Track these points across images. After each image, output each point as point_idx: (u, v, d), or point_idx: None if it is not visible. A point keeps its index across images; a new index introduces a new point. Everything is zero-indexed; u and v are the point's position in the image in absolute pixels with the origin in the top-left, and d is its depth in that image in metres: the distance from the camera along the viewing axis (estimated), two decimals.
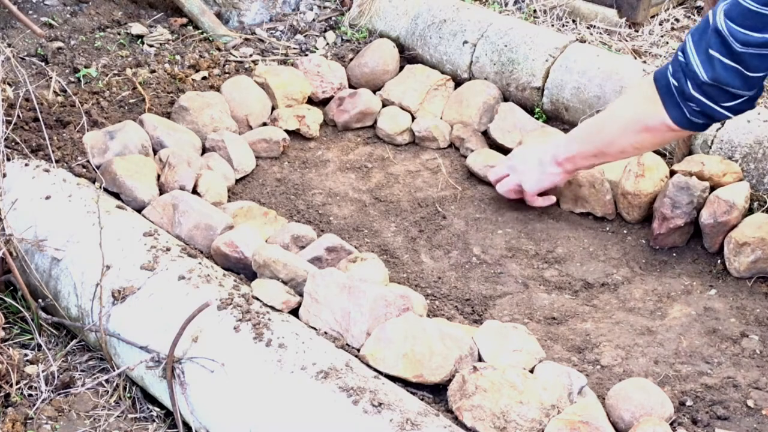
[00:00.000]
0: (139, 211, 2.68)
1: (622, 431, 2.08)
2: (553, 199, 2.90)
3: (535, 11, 3.78)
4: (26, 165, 2.72)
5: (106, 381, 2.36)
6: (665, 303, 2.58)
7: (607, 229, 2.89)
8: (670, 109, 2.34)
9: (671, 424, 2.10)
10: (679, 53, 2.28)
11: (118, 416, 2.28)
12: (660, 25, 3.73)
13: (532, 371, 2.17)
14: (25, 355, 2.43)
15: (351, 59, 3.58)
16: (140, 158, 2.83)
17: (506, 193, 2.92)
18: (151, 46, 3.58)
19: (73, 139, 2.89)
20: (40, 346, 2.46)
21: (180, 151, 2.88)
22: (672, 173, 2.81)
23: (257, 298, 2.29)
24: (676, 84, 2.29)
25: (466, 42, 3.45)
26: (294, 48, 3.68)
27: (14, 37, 3.42)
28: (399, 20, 3.67)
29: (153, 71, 3.40)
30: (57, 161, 2.75)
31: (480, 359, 2.20)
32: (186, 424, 2.18)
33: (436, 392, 2.15)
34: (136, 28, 3.64)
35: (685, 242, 2.78)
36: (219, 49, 3.59)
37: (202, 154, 3.04)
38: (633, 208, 2.83)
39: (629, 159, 2.83)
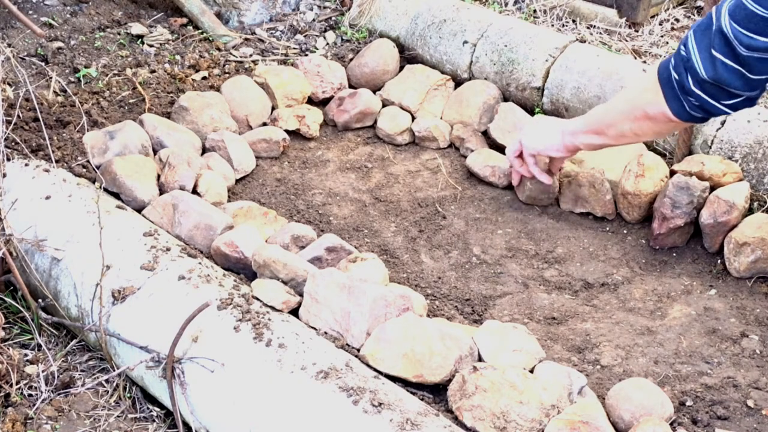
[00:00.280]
0: (139, 211, 2.68)
1: (622, 431, 2.08)
2: (550, 180, 2.86)
3: (535, 11, 3.78)
4: (26, 165, 2.72)
5: (106, 381, 2.36)
6: (665, 303, 2.58)
7: (607, 229, 2.89)
8: (670, 100, 2.34)
9: (671, 424, 2.10)
10: (681, 47, 2.27)
11: (118, 416, 2.28)
12: (660, 25, 3.73)
13: (532, 371, 2.17)
14: (25, 355, 2.43)
15: (351, 59, 3.58)
16: (140, 158, 2.83)
17: (510, 159, 2.89)
18: (151, 46, 3.58)
19: (73, 139, 2.89)
20: (40, 346, 2.46)
21: (180, 151, 2.88)
22: (672, 173, 2.81)
23: (257, 298, 2.29)
24: (677, 78, 2.28)
25: (466, 42, 3.45)
26: (294, 48, 3.68)
27: (14, 37, 3.42)
28: (399, 20, 3.67)
29: (153, 71, 3.40)
30: (57, 161, 2.75)
31: (480, 359, 2.20)
32: (186, 424, 2.18)
33: (436, 392, 2.15)
34: (136, 28, 3.64)
35: (685, 242, 2.78)
36: (219, 49, 3.59)
37: (202, 154, 3.04)
38: (633, 208, 2.83)
39: (629, 159, 2.83)
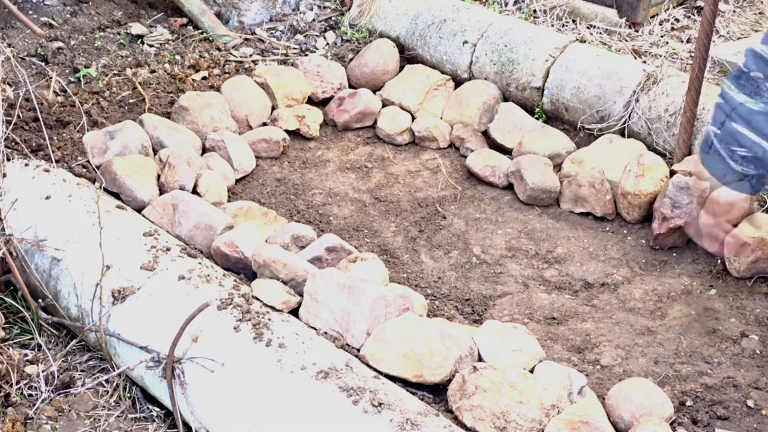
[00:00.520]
0: (139, 211, 2.68)
1: (622, 431, 2.08)
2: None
3: (535, 11, 3.78)
4: (26, 165, 2.72)
5: (106, 381, 2.36)
6: (665, 303, 2.58)
7: (607, 229, 2.89)
8: None
9: (671, 424, 2.10)
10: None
11: (118, 416, 2.28)
12: (660, 25, 3.73)
13: (532, 371, 2.17)
14: (25, 355, 2.43)
15: (351, 59, 3.58)
16: (140, 158, 2.83)
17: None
18: (151, 46, 3.58)
19: (73, 139, 2.89)
20: (40, 346, 2.46)
21: (180, 151, 2.89)
22: (672, 173, 2.81)
23: (257, 298, 2.29)
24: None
25: (466, 42, 3.44)
26: (294, 48, 3.68)
27: (14, 37, 3.42)
28: (399, 20, 3.67)
29: (153, 71, 3.40)
30: (57, 161, 2.75)
31: (480, 359, 2.20)
32: (186, 424, 2.18)
33: (436, 392, 2.15)
34: (136, 28, 3.64)
35: (685, 242, 2.78)
36: (219, 49, 3.59)
37: (202, 154, 3.04)
38: (633, 208, 2.83)
39: (629, 159, 2.83)
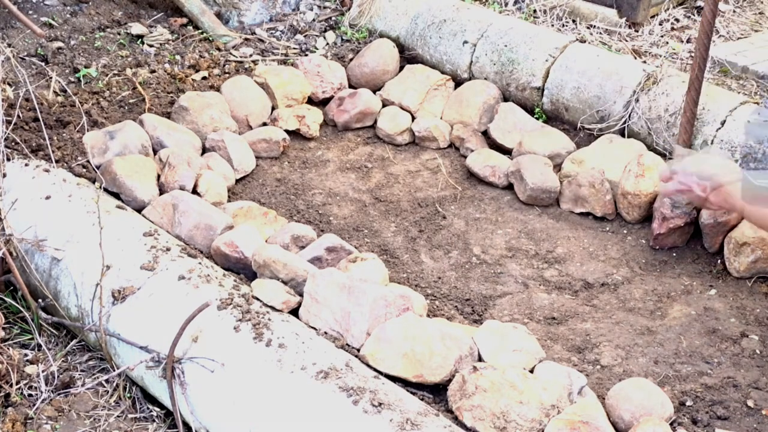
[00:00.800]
0: (139, 211, 2.68)
1: (622, 431, 2.08)
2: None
3: (535, 11, 3.78)
4: (26, 165, 2.72)
5: (106, 381, 2.36)
6: (665, 303, 2.58)
7: (607, 229, 2.89)
8: None
9: (671, 424, 2.10)
10: None
11: (118, 416, 2.28)
12: (660, 25, 3.73)
13: (532, 371, 2.17)
14: (25, 355, 2.43)
15: (351, 59, 3.58)
16: (140, 158, 2.83)
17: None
18: (151, 46, 3.58)
19: (73, 139, 2.89)
20: (40, 346, 2.46)
21: (180, 151, 2.89)
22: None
23: (257, 298, 2.29)
24: None
25: (466, 42, 3.45)
26: (294, 48, 3.68)
27: (14, 37, 3.42)
28: (399, 20, 3.67)
29: (153, 71, 3.40)
30: (57, 161, 2.75)
31: (480, 359, 2.20)
32: (186, 424, 2.18)
33: (436, 392, 2.15)
34: (136, 28, 3.64)
35: (685, 242, 2.78)
36: (219, 49, 3.59)
37: (202, 154, 3.04)
38: (633, 208, 2.83)
39: (629, 159, 2.83)
